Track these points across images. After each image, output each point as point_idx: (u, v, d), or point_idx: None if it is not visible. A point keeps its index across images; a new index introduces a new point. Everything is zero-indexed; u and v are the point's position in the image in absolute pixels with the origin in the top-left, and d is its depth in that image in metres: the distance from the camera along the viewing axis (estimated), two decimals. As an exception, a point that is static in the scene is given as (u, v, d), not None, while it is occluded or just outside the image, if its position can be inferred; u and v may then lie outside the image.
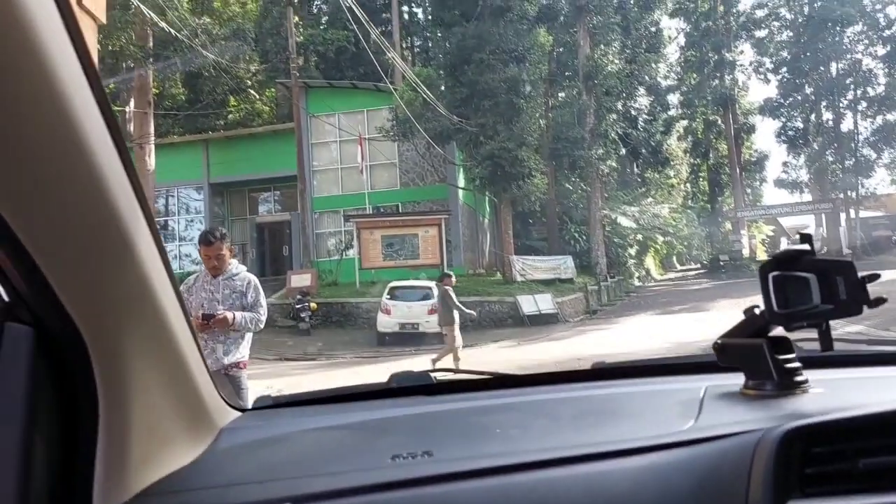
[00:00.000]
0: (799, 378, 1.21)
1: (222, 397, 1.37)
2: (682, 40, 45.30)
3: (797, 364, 1.21)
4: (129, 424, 0.98)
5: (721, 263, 39.06)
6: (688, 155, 49.15)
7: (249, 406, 1.55)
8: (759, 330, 1.22)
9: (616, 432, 1.16)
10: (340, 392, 1.62)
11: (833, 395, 1.20)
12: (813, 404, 1.15)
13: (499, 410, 1.39)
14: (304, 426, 1.37)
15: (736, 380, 1.30)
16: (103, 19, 3.94)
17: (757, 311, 1.23)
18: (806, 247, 1.14)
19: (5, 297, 0.86)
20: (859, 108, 40.19)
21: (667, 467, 0.99)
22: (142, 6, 16.91)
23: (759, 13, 43.05)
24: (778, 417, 1.06)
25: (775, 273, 1.14)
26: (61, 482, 0.92)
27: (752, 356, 1.22)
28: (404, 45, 37.25)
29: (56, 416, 0.91)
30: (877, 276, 1.10)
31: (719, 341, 1.30)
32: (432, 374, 1.66)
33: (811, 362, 1.33)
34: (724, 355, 1.30)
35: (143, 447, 1.03)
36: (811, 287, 1.10)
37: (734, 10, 42.72)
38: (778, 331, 1.22)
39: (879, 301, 1.08)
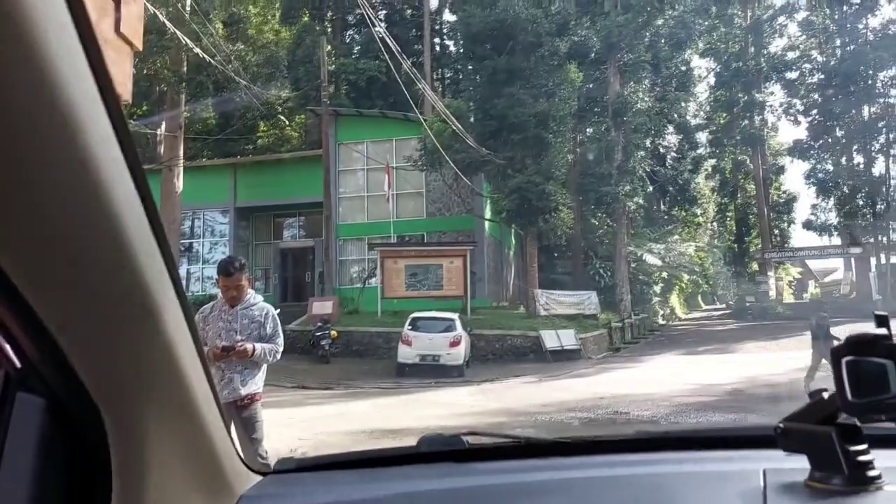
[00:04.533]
0: (872, 473, 1.10)
1: (242, 460, 1.29)
2: (712, 80, 45.28)
3: (870, 457, 1.10)
4: (144, 500, 0.91)
5: (747, 305, 38.56)
6: (715, 194, 48.83)
7: (268, 459, 1.46)
8: (827, 416, 1.12)
9: None
10: (367, 455, 1.55)
11: None
12: None
13: (534, 492, 1.28)
14: (328, 496, 1.28)
15: (796, 462, 1.19)
16: (140, 46, 3.94)
17: (826, 395, 1.13)
18: (883, 331, 1.04)
19: (18, 365, 0.79)
20: (891, 151, 39.67)
21: None
22: (177, 32, 17.20)
23: (791, 55, 42.92)
24: None
25: (849, 358, 1.04)
26: None
27: (820, 445, 1.12)
28: (435, 77, 37.60)
29: (66, 492, 0.84)
30: None
31: (782, 425, 1.19)
32: (464, 438, 1.57)
33: (884, 441, 1.21)
34: (787, 440, 1.19)
35: None
36: (889, 375, 1.00)
37: (765, 52, 42.63)
38: (848, 417, 1.11)
39: None
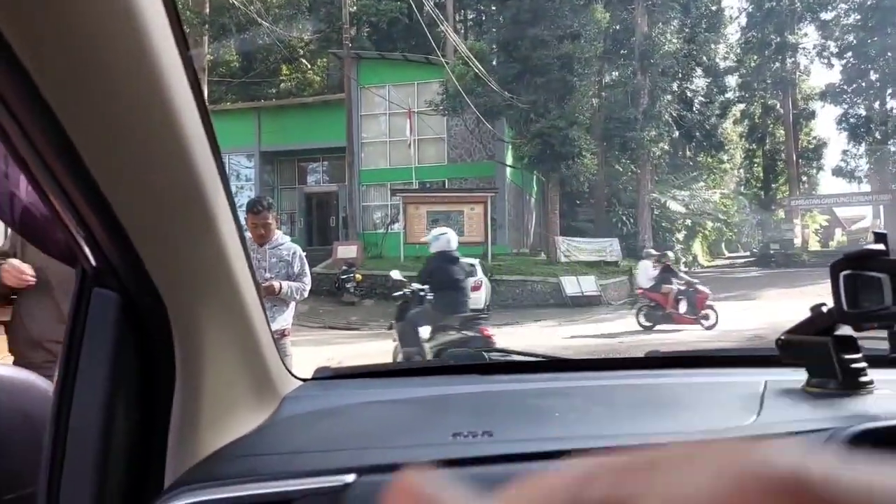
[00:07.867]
0: (864, 378, 1.18)
1: (285, 366, 1.40)
2: (743, 20, 43.84)
3: (863, 364, 1.19)
4: (201, 390, 1.02)
5: (771, 252, 38.09)
6: (743, 140, 47.76)
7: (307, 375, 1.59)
8: (825, 328, 1.20)
9: (674, 424, 1.15)
10: (397, 367, 1.66)
11: None
12: (878, 406, 1.13)
13: (555, 394, 1.39)
14: (363, 398, 1.40)
15: (796, 376, 1.28)
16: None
17: (824, 308, 1.21)
18: (881, 246, 1.10)
19: (94, 263, 0.90)
20: (927, 97, 38.53)
21: None
22: (200, -27, 17.05)
23: (826, -6, 41.40)
24: (843, 418, 1.04)
25: (847, 272, 1.11)
26: (139, 441, 0.96)
27: (817, 354, 1.20)
28: (457, 18, 36.89)
29: (136, 379, 0.95)
30: None
31: (783, 337, 1.28)
32: (486, 353, 1.68)
33: (878, 361, 1.30)
34: (787, 352, 1.27)
35: (213, 412, 1.06)
36: (884, 287, 1.06)
37: (800, -9, 41.17)
38: (844, 330, 1.19)
39: None
